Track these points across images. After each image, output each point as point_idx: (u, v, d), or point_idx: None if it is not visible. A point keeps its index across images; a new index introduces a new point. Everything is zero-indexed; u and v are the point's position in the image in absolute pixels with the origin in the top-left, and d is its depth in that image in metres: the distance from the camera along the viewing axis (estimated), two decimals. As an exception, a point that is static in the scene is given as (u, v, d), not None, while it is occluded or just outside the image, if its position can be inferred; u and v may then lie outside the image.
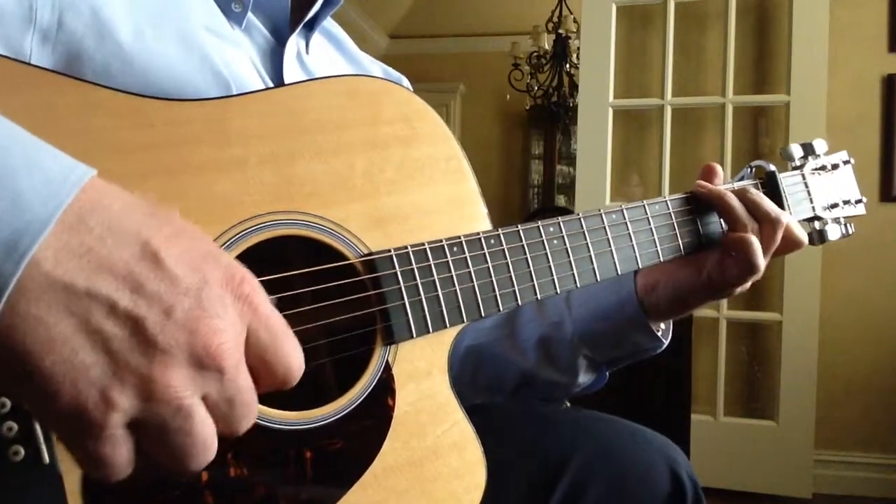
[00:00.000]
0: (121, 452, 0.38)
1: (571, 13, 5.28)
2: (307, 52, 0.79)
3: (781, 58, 2.82)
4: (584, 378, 0.91)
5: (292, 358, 0.44)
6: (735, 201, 0.82)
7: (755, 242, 0.81)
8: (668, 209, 0.82)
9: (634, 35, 3.04)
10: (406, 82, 0.88)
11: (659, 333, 0.87)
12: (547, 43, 5.59)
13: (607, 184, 2.86)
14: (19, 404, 0.43)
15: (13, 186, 0.36)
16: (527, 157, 6.30)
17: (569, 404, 0.98)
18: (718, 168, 0.88)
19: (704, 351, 2.88)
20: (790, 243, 0.85)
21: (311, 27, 0.79)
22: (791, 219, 0.85)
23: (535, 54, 5.63)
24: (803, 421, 2.74)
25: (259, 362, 0.43)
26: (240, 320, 0.41)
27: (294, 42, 0.76)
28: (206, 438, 0.40)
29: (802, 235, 0.87)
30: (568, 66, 5.59)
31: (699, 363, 2.80)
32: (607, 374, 0.93)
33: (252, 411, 0.43)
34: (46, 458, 0.44)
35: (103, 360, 0.37)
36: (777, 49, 2.88)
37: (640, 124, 3.06)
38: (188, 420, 0.39)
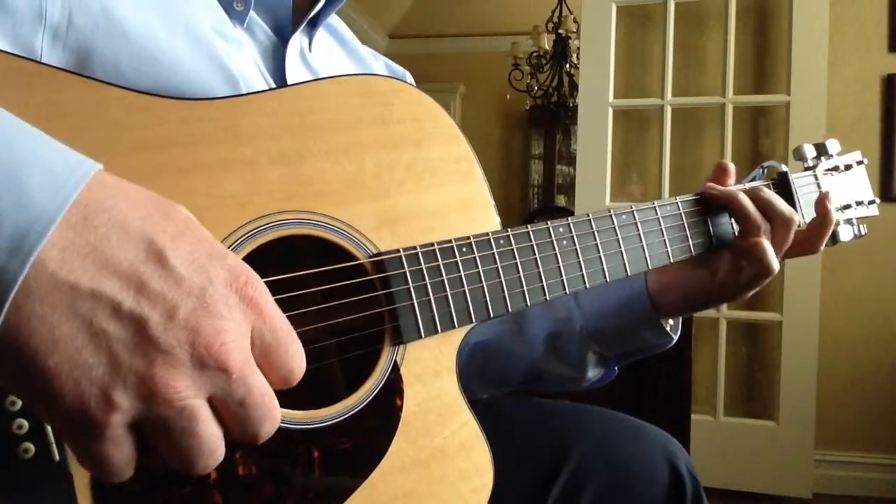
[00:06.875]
0: (121, 453, 0.38)
1: (571, 13, 5.29)
2: (310, 50, 0.78)
3: (781, 58, 2.81)
4: (592, 372, 0.91)
5: (295, 361, 0.44)
6: (747, 202, 0.81)
7: (769, 247, 0.80)
8: (679, 210, 0.82)
9: (634, 35, 3.04)
10: (410, 77, 0.87)
11: (668, 328, 0.87)
12: (547, 43, 5.60)
13: (607, 184, 2.85)
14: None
15: (17, 182, 0.35)
16: (527, 157, 6.30)
17: (567, 401, 0.98)
18: (731, 167, 0.87)
19: (704, 351, 2.88)
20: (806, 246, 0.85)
21: (314, 24, 0.78)
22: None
23: (535, 54, 5.64)
24: (803, 421, 2.74)
25: (263, 364, 0.42)
26: (244, 321, 0.41)
27: (297, 40, 0.74)
28: (210, 440, 0.40)
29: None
30: (568, 66, 5.60)
31: (699, 363, 2.80)
32: (616, 368, 0.92)
33: (271, 412, 0.42)
34: (56, 456, 0.44)
35: (106, 360, 0.37)
36: (777, 49, 2.87)
37: (640, 124, 3.05)
38: (192, 421, 0.39)
